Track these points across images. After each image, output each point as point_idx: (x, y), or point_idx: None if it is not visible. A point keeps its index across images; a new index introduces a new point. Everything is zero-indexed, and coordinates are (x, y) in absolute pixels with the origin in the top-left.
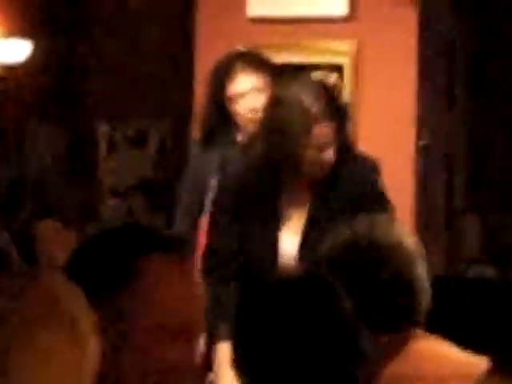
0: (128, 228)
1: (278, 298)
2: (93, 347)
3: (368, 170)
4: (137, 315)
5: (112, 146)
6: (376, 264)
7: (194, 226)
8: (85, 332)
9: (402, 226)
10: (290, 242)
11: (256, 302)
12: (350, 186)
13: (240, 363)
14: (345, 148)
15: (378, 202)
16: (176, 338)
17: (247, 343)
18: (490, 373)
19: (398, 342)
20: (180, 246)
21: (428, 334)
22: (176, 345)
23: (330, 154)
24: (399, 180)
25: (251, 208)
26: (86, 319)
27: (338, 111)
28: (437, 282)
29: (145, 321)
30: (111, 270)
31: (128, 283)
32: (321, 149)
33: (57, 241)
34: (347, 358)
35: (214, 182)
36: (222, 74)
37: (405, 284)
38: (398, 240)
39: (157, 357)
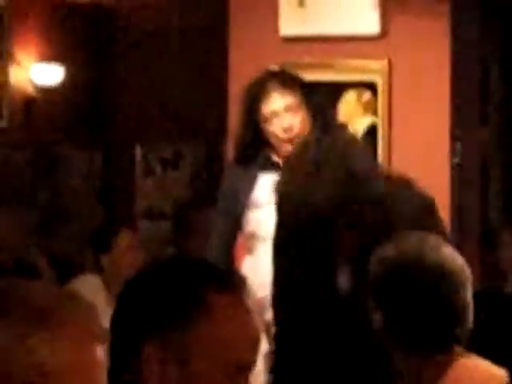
0: (186, 261)
1: (315, 318)
2: (99, 351)
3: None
4: (198, 350)
5: (148, 169)
6: (423, 285)
7: (229, 242)
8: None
9: (450, 246)
10: None
11: (296, 323)
12: None
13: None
14: None
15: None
16: (233, 373)
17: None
18: None
19: (442, 364)
20: (241, 282)
21: (468, 352)
22: (233, 381)
23: None
24: (434, 196)
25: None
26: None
27: None
28: (475, 299)
29: (206, 355)
30: (177, 302)
31: (195, 317)
32: None
33: (129, 253)
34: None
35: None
36: (256, 94)
37: (451, 306)
38: (447, 261)
39: None
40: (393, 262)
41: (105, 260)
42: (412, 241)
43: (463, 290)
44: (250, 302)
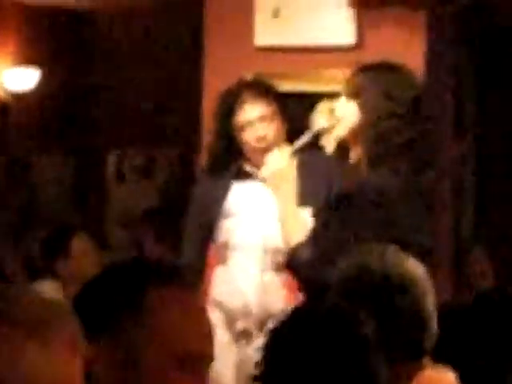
0: (133, 261)
1: (303, 330)
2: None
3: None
4: (146, 345)
5: (120, 176)
6: (387, 294)
7: (201, 253)
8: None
9: (412, 257)
10: None
11: (283, 334)
12: None
13: None
14: None
15: None
16: (185, 366)
17: (275, 370)
18: None
19: (409, 372)
20: (184, 275)
21: (435, 362)
22: (185, 374)
23: None
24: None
25: None
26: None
27: None
28: (443, 310)
29: (154, 350)
30: (118, 302)
31: (135, 315)
32: None
33: (86, 255)
34: None
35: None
36: (230, 103)
37: (416, 314)
38: (409, 271)
39: None
40: (355, 275)
41: (60, 264)
42: (374, 253)
43: (426, 300)
44: (195, 296)
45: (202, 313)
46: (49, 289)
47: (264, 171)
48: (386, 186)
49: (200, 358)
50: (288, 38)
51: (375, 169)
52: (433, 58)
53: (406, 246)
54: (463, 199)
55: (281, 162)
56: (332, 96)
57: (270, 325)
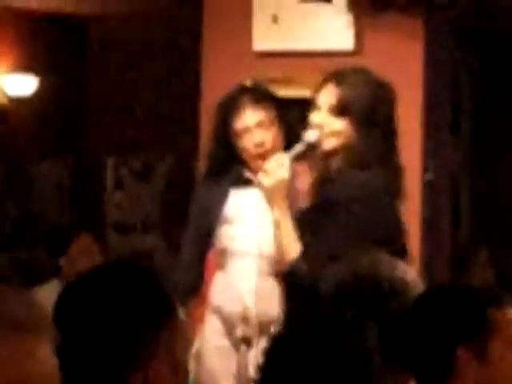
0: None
1: (304, 336)
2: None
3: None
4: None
5: (118, 181)
6: (379, 299)
7: (200, 258)
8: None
9: (404, 263)
10: None
11: (285, 339)
12: None
13: None
14: None
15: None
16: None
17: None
18: None
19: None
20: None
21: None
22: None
23: None
24: (406, 213)
25: None
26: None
27: None
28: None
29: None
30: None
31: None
32: None
33: (89, 256)
34: None
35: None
36: (228, 109)
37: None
38: (401, 277)
39: None
40: (349, 280)
41: (63, 262)
42: (365, 259)
43: None
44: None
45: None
46: (51, 290)
47: (266, 180)
48: (373, 185)
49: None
50: (287, 44)
51: (357, 173)
52: (431, 64)
53: (391, 245)
54: (461, 201)
55: (283, 171)
56: None
57: (272, 330)
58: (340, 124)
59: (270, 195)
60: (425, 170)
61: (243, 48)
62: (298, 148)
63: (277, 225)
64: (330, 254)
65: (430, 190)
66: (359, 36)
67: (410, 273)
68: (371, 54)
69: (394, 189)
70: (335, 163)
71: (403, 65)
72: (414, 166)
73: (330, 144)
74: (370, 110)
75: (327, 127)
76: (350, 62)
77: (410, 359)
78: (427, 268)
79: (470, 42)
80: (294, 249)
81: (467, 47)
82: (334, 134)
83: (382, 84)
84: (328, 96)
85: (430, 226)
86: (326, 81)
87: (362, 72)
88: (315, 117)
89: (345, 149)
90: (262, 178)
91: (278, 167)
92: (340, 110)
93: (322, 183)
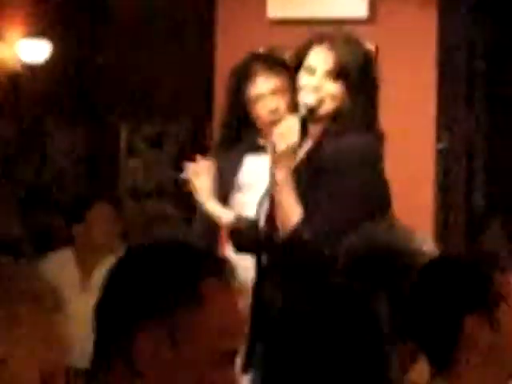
0: (183, 246)
1: (318, 307)
2: (59, 321)
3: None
4: (190, 335)
5: (132, 148)
6: (395, 271)
7: (213, 232)
8: (48, 308)
9: (420, 232)
10: None
11: (297, 309)
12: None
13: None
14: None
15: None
16: (226, 363)
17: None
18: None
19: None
20: (231, 271)
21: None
22: (226, 370)
23: None
24: (419, 181)
25: None
26: (50, 297)
27: None
28: None
29: (196, 342)
30: (172, 288)
31: (188, 305)
32: None
33: (105, 224)
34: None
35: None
36: (242, 76)
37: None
38: (418, 247)
39: (208, 380)
40: (362, 250)
41: (77, 230)
42: (381, 228)
43: None
44: (238, 292)
45: (241, 311)
46: (63, 257)
47: (279, 144)
48: (367, 150)
49: (235, 354)
50: (301, 11)
51: (352, 138)
52: (446, 31)
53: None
54: (475, 169)
55: (294, 135)
56: None
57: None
58: (335, 87)
59: (279, 159)
60: (439, 138)
61: (257, 15)
62: (302, 112)
63: (280, 187)
64: (334, 221)
65: (443, 158)
66: (373, 4)
67: (428, 243)
68: (385, 21)
69: (381, 153)
70: (327, 127)
71: (417, 33)
72: (428, 135)
73: (325, 108)
74: (364, 74)
75: (324, 91)
76: (364, 29)
77: (418, 332)
78: (441, 236)
79: (485, 8)
80: (295, 213)
81: (482, 13)
82: (329, 97)
83: (368, 50)
84: (323, 59)
85: (443, 193)
86: (312, 43)
87: (350, 36)
88: (311, 80)
89: (336, 113)
90: (275, 141)
91: (290, 131)
92: (337, 73)
93: (315, 150)
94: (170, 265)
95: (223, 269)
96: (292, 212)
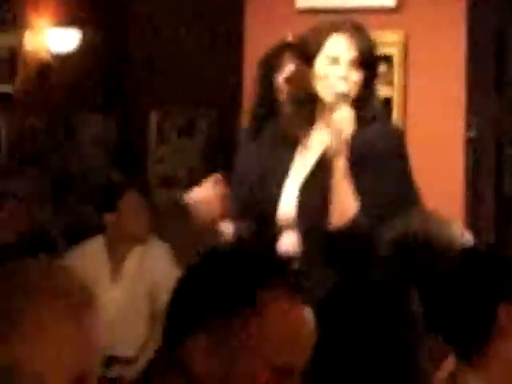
0: (248, 254)
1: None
2: (88, 319)
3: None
4: (249, 348)
5: (162, 136)
6: (430, 262)
7: (243, 215)
8: (79, 304)
9: (456, 223)
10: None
11: (337, 301)
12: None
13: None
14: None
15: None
16: (276, 376)
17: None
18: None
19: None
20: (296, 272)
21: None
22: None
23: None
24: (448, 170)
25: None
26: (80, 293)
27: None
28: None
29: (255, 355)
30: (231, 298)
31: (247, 316)
32: None
33: (136, 214)
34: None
35: None
36: (271, 64)
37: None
38: (452, 239)
39: None
40: (399, 240)
41: (108, 218)
42: (418, 218)
43: None
44: (303, 303)
45: (307, 322)
46: (94, 247)
47: (337, 135)
48: (396, 135)
49: (297, 369)
50: (329, 1)
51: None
52: (475, 20)
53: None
54: (505, 157)
55: (350, 124)
56: None
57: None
58: (358, 76)
59: (337, 149)
60: (468, 126)
61: (286, 5)
62: (333, 100)
63: (339, 178)
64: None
65: (473, 146)
66: None
67: (463, 233)
68: (413, 10)
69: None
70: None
71: (445, 20)
72: (458, 123)
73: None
74: (378, 62)
75: (350, 79)
76: (392, 18)
77: (449, 324)
78: (472, 224)
79: None
80: (353, 203)
81: (511, 1)
82: (354, 85)
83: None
84: (346, 49)
85: (474, 182)
86: (329, 32)
87: (362, 25)
88: (337, 70)
89: (357, 100)
90: (332, 132)
91: (345, 121)
92: (360, 62)
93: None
94: (227, 271)
95: (287, 276)
96: (349, 202)
